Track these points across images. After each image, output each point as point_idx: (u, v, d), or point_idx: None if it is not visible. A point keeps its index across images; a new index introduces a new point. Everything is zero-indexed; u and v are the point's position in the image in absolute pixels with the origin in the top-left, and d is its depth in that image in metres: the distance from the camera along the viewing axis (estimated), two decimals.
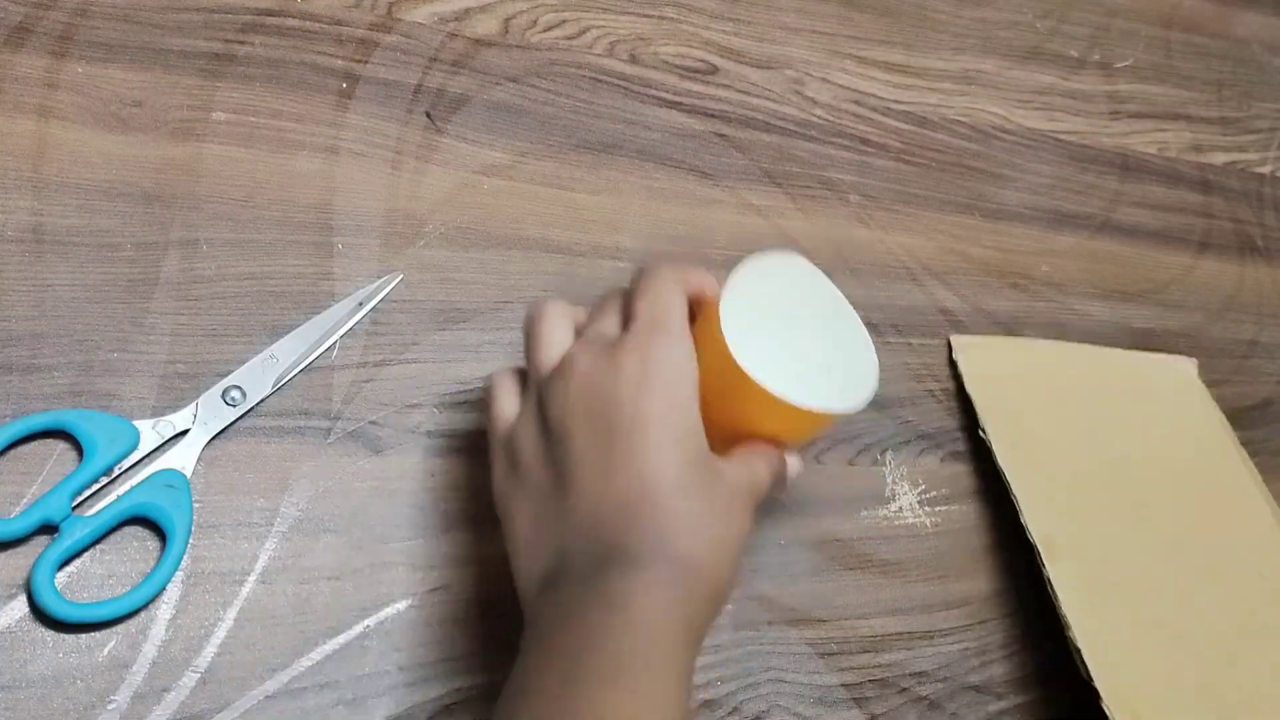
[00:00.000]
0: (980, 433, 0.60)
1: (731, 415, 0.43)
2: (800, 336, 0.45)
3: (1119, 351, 0.69)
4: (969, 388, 0.62)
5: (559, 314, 0.44)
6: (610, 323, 0.43)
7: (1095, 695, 0.51)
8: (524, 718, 0.35)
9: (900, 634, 0.54)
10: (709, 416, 0.41)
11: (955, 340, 0.64)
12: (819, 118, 0.67)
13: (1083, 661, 0.52)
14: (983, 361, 0.64)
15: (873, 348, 0.45)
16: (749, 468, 0.42)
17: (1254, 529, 0.64)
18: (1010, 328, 0.66)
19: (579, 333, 0.44)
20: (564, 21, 0.63)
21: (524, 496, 0.41)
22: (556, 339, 0.43)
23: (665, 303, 0.42)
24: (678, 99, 0.64)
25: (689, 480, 0.39)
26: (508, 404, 0.44)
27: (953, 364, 0.63)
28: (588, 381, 0.40)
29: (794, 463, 0.45)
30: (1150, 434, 0.66)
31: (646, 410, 0.39)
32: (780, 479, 0.44)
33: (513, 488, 0.42)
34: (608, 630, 0.36)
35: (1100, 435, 0.64)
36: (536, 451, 0.41)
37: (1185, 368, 0.70)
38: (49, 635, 0.41)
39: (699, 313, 0.44)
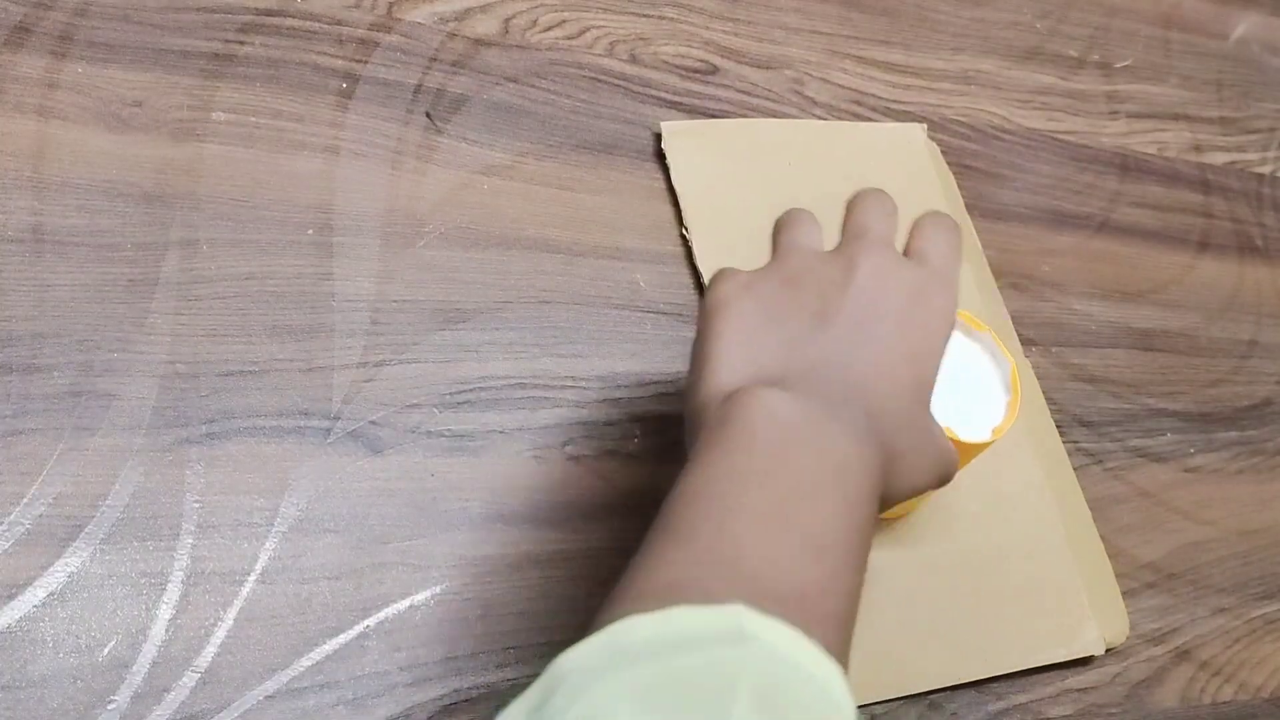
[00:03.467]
0: (683, 233, 0.59)
1: None
2: (951, 375, 0.50)
3: (843, 124, 0.67)
4: (675, 180, 0.60)
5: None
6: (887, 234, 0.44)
7: None
8: (733, 519, 0.34)
9: None
10: None
11: (666, 127, 0.61)
12: (819, 118, 0.67)
13: None
14: (693, 149, 0.61)
15: (1000, 369, 0.52)
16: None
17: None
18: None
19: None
20: (564, 21, 0.63)
21: (760, 308, 0.41)
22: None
23: (953, 254, 0.43)
24: (678, 99, 0.64)
25: (924, 409, 0.41)
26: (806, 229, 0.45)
27: (661, 154, 0.61)
28: (906, 280, 0.42)
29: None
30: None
31: (938, 330, 0.41)
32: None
33: (745, 294, 0.41)
34: (819, 486, 0.36)
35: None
36: (823, 278, 0.41)
37: (913, 134, 0.69)
38: (49, 635, 0.41)
39: None
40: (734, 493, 0.35)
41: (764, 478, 0.35)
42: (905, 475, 0.40)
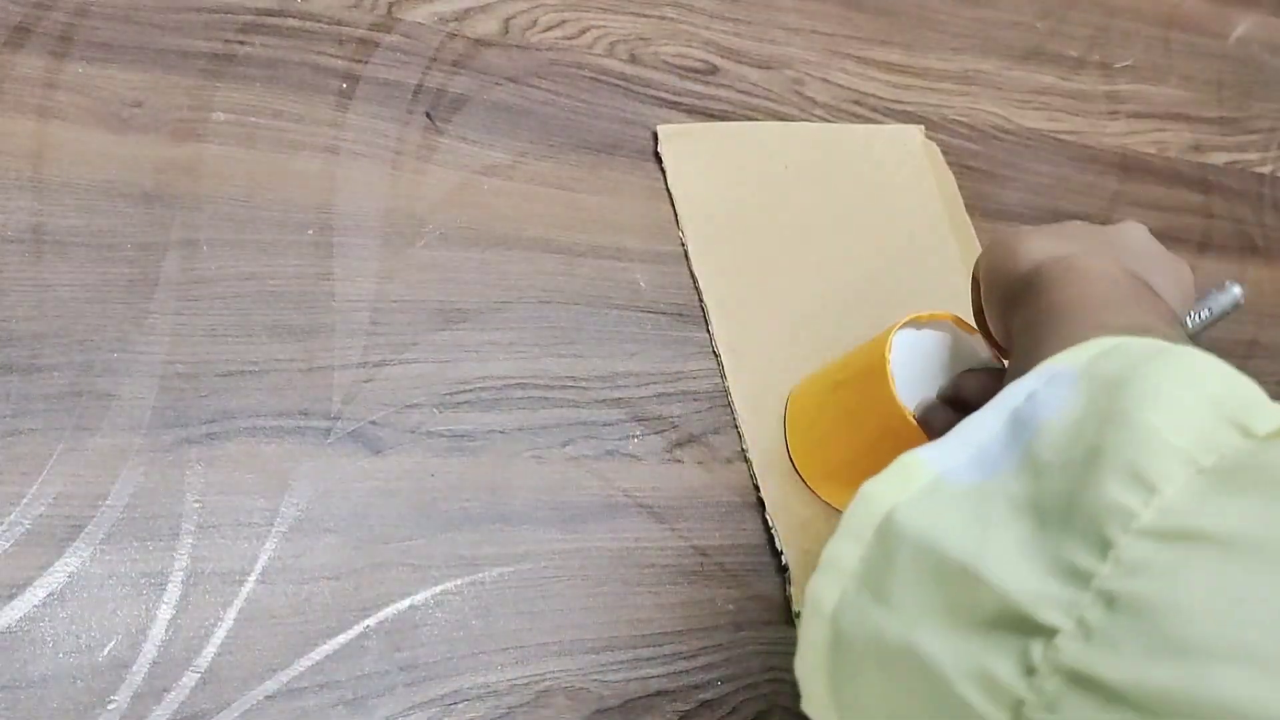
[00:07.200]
0: (679, 236, 0.59)
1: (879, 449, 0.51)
2: (946, 376, 0.53)
3: (839, 126, 0.67)
4: (671, 184, 0.60)
5: None
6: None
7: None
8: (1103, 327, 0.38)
9: None
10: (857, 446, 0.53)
11: (662, 130, 0.61)
12: (819, 118, 0.67)
13: (761, 499, 0.54)
14: (690, 153, 0.61)
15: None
16: None
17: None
18: None
19: None
20: (564, 21, 0.63)
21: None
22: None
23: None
24: (677, 99, 0.64)
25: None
26: None
27: (658, 156, 0.61)
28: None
29: None
30: (861, 211, 0.64)
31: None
32: None
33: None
34: (1149, 299, 0.44)
35: (807, 221, 0.62)
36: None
37: (911, 135, 0.69)
38: (49, 635, 0.41)
39: (867, 363, 0.51)
40: (1111, 299, 0.43)
41: (1117, 291, 0.43)
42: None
